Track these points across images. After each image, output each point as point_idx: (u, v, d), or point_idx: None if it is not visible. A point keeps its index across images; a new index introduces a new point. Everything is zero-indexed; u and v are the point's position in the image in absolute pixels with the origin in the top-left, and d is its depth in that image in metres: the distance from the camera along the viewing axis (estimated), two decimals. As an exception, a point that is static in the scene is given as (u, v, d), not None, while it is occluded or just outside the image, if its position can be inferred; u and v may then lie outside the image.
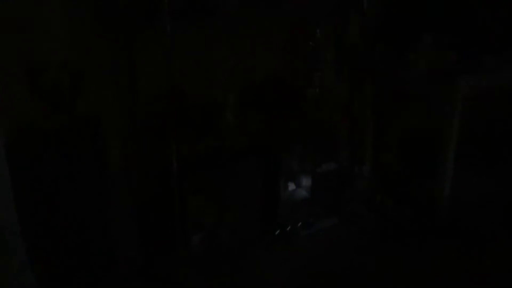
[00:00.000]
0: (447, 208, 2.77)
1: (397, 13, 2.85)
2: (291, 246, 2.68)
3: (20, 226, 1.98)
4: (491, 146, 3.27)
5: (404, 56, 2.76)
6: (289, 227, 2.76)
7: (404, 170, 3.13)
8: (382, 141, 3.10)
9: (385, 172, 3.12)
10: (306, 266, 2.53)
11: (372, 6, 2.79)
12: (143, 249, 2.49)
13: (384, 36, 2.82)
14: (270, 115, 2.56)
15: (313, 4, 2.60)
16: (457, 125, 2.66)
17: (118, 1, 2.18)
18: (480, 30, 2.81)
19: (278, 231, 2.74)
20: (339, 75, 2.86)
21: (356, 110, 2.89)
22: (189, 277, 2.45)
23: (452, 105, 2.62)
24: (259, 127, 2.54)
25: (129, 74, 2.36)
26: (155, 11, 2.18)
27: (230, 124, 2.49)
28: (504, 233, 2.74)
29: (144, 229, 2.48)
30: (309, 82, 2.69)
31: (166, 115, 2.36)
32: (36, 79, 2.15)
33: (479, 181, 3.14)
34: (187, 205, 2.49)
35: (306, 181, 2.89)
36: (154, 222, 2.49)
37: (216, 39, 2.50)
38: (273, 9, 2.45)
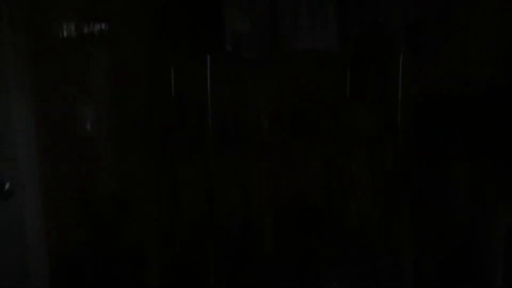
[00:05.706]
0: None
1: (433, 136, 2.85)
2: None
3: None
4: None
5: (442, 181, 2.75)
6: None
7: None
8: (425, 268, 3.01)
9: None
10: None
11: (407, 130, 2.83)
12: None
13: (421, 160, 2.83)
14: (306, 243, 2.59)
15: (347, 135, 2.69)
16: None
17: (161, 134, 2.37)
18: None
19: None
20: (376, 203, 2.88)
21: (396, 237, 2.86)
22: None
23: (494, 235, 2.57)
24: (296, 254, 2.57)
25: (171, 202, 2.49)
26: (199, 142, 2.36)
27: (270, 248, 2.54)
28: None
29: None
30: (347, 210, 2.72)
31: (205, 241, 2.46)
32: (85, 208, 2.33)
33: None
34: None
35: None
36: None
37: (253, 164, 2.63)
38: (310, 140, 2.57)
